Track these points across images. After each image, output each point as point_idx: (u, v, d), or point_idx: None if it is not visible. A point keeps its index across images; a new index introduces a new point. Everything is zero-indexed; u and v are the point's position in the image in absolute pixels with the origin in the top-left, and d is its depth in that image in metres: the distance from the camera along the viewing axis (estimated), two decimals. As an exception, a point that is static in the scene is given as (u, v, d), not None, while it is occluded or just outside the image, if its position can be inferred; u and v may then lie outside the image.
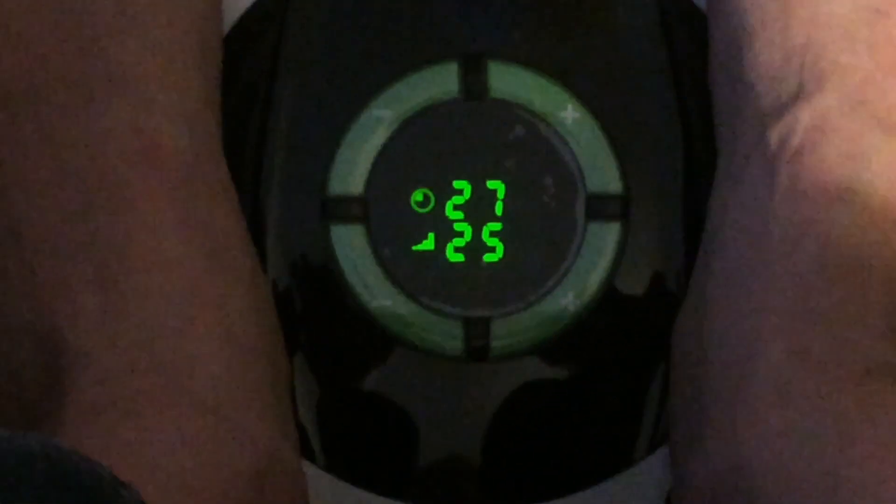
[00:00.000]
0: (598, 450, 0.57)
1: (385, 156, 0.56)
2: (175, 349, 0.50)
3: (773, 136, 0.52)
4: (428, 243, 0.55)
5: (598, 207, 0.56)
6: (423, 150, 0.56)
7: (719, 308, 0.53)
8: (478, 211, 0.56)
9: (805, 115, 0.52)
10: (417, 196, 0.56)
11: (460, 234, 0.55)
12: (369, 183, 0.56)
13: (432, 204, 0.56)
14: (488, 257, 0.56)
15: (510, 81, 0.56)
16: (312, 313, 0.57)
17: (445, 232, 0.55)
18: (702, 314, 0.54)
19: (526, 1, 0.58)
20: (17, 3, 0.53)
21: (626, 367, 0.57)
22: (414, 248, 0.55)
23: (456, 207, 0.55)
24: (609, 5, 0.59)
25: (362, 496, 0.56)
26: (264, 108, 0.57)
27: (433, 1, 0.58)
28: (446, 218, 0.55)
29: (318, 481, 0.55)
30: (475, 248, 0.55)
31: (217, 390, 0.50)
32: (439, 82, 0.56)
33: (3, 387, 0.53)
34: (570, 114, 0.56)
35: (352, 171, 0.56)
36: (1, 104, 0.52)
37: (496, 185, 0.56)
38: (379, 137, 0.56)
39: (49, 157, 0.51)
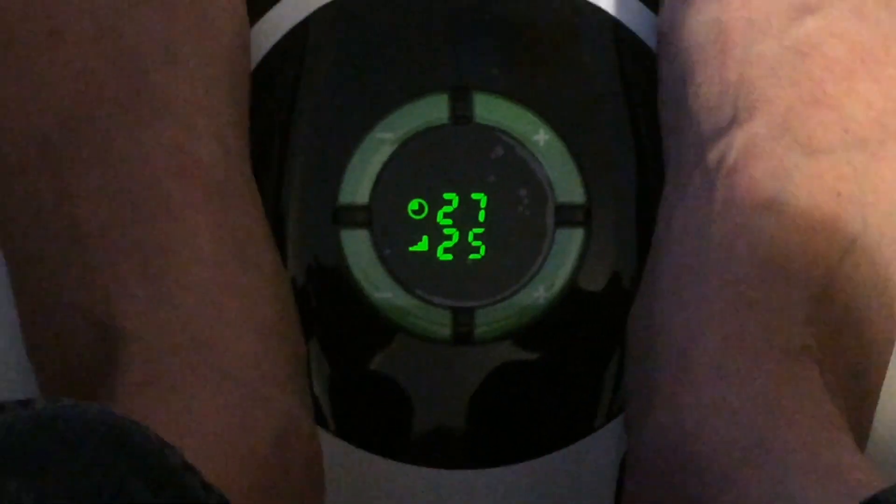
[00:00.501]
0: (564, 419, 0.56)
1: (386, 171, 0.56)
2: (210, 332, 0.50)
3: (712, 156, 0.53)
4: (422, 245, 0.55)
5: (565, 215, 0.56)
6: (418, 167, 0.56)
7: (666, 300, 0.53)
8: (464, 218, 0.56)
9: (738, 139, 0.52)
10: (413, 205, 0.56)
11: (449, 238, 0.55)
12: (373, 194, 0.56)
13: (426, 212, 0.56)
14: (473, 257, 0.56)
15: (492, 110, 0.56)
16: (325, 304, 0.56)
17: (437, 235, 0.56)
18: (652, 305, 0.54)
19: (504, 42, 0.58)
20: (79, 39, 0.53)
21: (588, 350, 0.57)
22: (410, 248, 0.56)
23: (446, 215, 0.56)
24: (574, 46, 0.58)
25: (366, 457, 0.56)
26: (285, 131, 0.57)
27: (427, 42, 0.58)
28: (437, 224, 0.56)
29: (330, 445, 0.55)
30: (462, 249, 0.56)
31: (245, 366, 0.51)
32: (432, 110, 0.56)
33: (67, 366, 0.53)
34: (541, 136, 0.56)
35: (358, 184, 0.56)
36: (65, 126, 0.52)
37: (479, 196, 0.56)
38: (381, 156, 0.56)
39: (104, 170, 0.51)
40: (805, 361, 0.50)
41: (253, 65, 0.57)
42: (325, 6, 0.57)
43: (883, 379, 0.55)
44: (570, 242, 0.56)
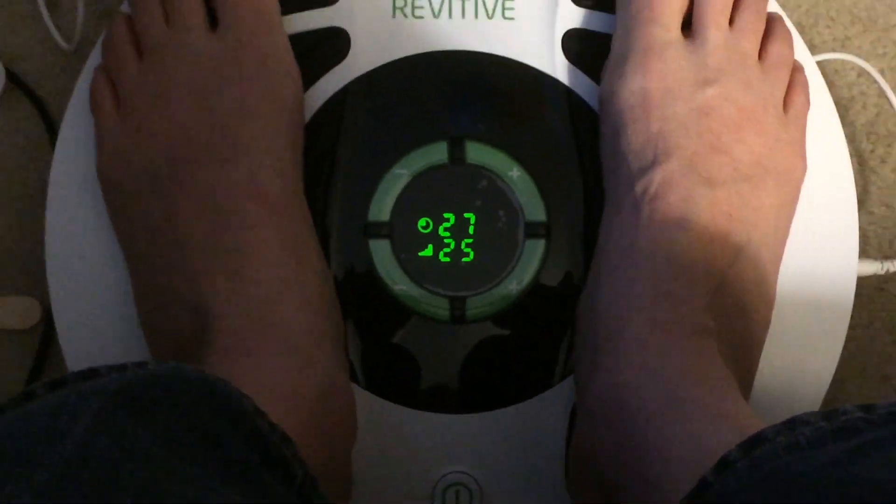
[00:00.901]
0: (531, 377, 0.58)
1: (402, 197, 0.58)
2: (273, 313, 0.53)
3: (639, 187, 0.55)
4: (428, 251, 0.58)
5: (531, 230, 0.58)
6: (425, 195, 0.58)
7: (604, 293, 0.55)
8: (458, 231, 0.58)
9: (658, 176, 0.55)
10: (422, 222, 0.58)
11: (448, 245, 0.58)
12: (393, 214, 0.58)
13: (430, 227, 0.58)
14: (465, 260, 0.58)
15: (479, 153, 0.58)
16: (357, 293, 0.58)
17: (439, 244, 0.58)
18: (594, 296, 0.56)
19: (488, 105, 0.59)
20: (179, 102, 0.55)
21: (547, 328, 0.58)
22: (419, 254, 0.57)
23: (445, 229, 0.58)
24: (538, 108, 0.60)
25: (386, 405, 0.57)
26: (329, 167, 0.58)
27: (431, 104, 0.59)
28: (439, 235, 0.57)
29: (361, 396, 0.56)
30: (457, 254, 0.58)
31: (298, 339, 0.53)
32: (435, 154, 0.58)
33: (170, 338, 0.55)
34: (514, 173, 0.58)
35: (382, 207, 0.58)
36: (170, 164, 0.54)
37: (470, 216, 0.58)
38: (399, 186, 0.58)
39: (198, 196, 0.54)
40: (706, 338, 0.53)
41: (307, 119, 0.58)
42: (358, 78, 0.59)
43: (761, 350, 0.57)
44: (535, 250, 0.58)
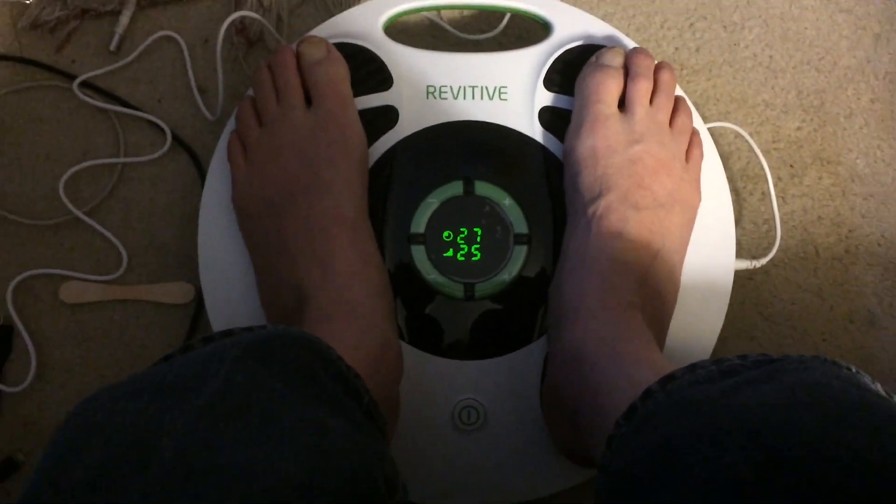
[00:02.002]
0: (518, 335, 0.57)
1: (433, 217, 0.57)
2: (347, 295, 0.52)
3: (590, 211, 0.55)
4: (449, 253, 0.57)
5: (518, 239, 0.57)
6: (448, 215, 0.57)
7: (567, 281, 0.54)
8: (470, 240, 0.57)
9: (602, 203, 0.54)
10: (446, 234, 0.57)
11: (462, 249, 0.57)
12: (427, 228, 0.57)
13: (451, 237, 0.57)
14: (474, 259, 0.57)
15: (484, 188, 0.58)
16: (403, 281, 0.57)
17: (456, 248, 0.57)
18: (560, 284, 0.55)
19: (490, 157, 0.59)
20: (287, 157, 0.55)
21: (529, 303, 0.57)
22: (444, 255, 0.57)
23: (461, 238, 0.57)
24: (523, 159, 0.59)
25: (420, 354, 0.56)
26: (384, 198, 0.58)
27: (453, 156, 0.58)
28: (457, 242, 0.57)
29: (406, 349, 0.56)
30: (469, 255, 0.57)
31: (365, 312, 0.52)
32: (454, 188, 0.58)
33: (280, 311, 0.54)
34: (507, 201, 0.58)
35: (420, 223, 0.57)
36: (281, 195, 0.54)
37: (477, 229, 0.57)
38: (430, 210, 0.57)
39: (298, 219, 0.54)
40: (634, 311, 0.52)
41: (370, 165, 0.58)
42: (404, 139, 0.58)
43: (671, 319, 0.56)
44: (520, 253, 0.57)
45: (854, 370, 0.38)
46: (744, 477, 0.31)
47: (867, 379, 0.38)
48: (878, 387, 0.37)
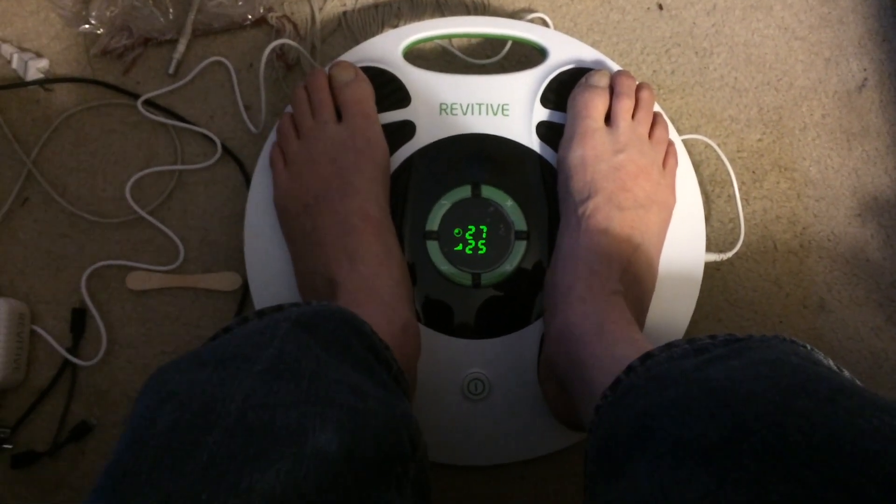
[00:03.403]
0: (518, 317, 0.57)
1: (445, 216, 0.57)
2: (373, 284, 0.52)
3: (579, 211, 0.54)
4: (459, 247, 0.57)
5: (518, 235, 0.57)
6: (458, 215, 0.57)
7: (559, 271, 0.54)
8: (477, 236, 0.57)
9: (591, 205, 0.54)
10: (456, 231, 0.57)
11: (470, 244, 0.57)
12: (440, 226, 0.57)
13: (461, 233, 0.57)
14: (480, 252, 0.57)
15: (489, 191, 0.57)
16: (420, 272, 0.57)
17: (465, 243, 0.57)
18: (554, 274, 0.55)
19: (494, 165, 0.58)
20: (321, 162, 0.54)
21: (528, 290, 0.57)
22: (455, 249, 0.57)
23: (469, 235, 0.57)
24: (522, 166, 0.58)
25: (434, 334, 0.56)
26: (404, 200, 0.57)
27: (462, 164, 0.58)
28: (466, 238, 0.57)
29: (423, 330, 0.56)
30: (476, 249, 0.57)
31: (389, 297, 0.51)
32: (464, 191, 0.57)
33: (315, 298, 0.53)
34: (509, 202, 0.57)
35: (434, 222, 0.57)
36: (316, 198, 0.53)
37: (483, 227, 0.57)
38: (443, 210, 0.57)
39: (331, 217, 0.53)
40: (618, 297, 0.51)
41: (392, 171, 0.57)
42: (420, 149, 0.58)
43: (650, 304, 0.56)
44: (520, 247, 0.57)
45: (809, 348, 0.38)
46: (712, 441, 0.31)
47: (820, 355, 0.37)
48: (830, 362, 0.37)
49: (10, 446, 0.60)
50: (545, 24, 0.67)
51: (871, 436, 0.27)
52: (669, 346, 0.40)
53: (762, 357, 0.35)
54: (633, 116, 0.57)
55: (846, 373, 0.36)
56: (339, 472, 0.31)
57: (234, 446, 0.30)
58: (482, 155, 0.58)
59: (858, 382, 0.34)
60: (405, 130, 0.59)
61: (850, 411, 0.29)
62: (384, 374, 0.41)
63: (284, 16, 0.66)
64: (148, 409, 0.32)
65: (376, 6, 0.66)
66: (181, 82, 0.65)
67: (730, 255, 0.63)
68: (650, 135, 0.57)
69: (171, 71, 0.65)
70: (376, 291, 0.51)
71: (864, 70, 0.67)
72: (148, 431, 0.31)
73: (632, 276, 0.53)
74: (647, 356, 0.40)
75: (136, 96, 0.65)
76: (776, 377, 0.33)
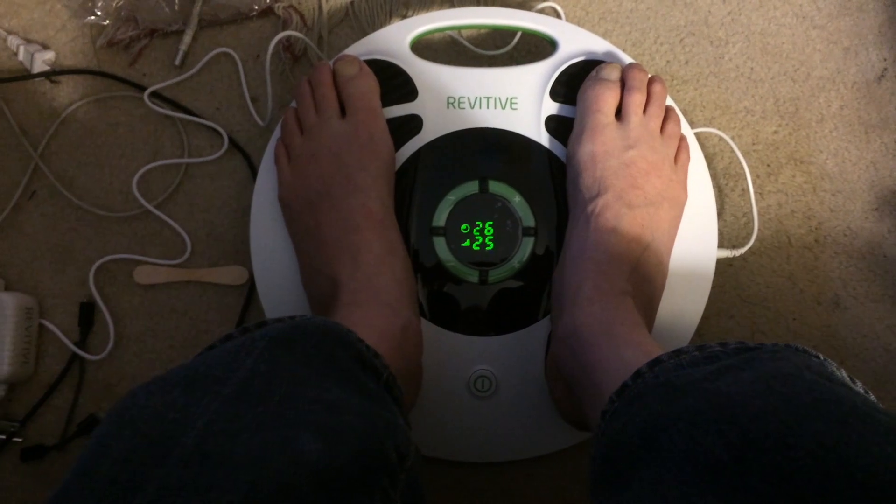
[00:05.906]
0: (526, 314, 0.56)
1: (452, 212, 0.56)
2: (376, 282, 0.51)
3: (589, 208, 0.53)
4: (466, 243, 0.56)
5: (526, 231, 0.56)
6: (465, 211, 0.56)
7: (567, 270, 0.53)
8: (484, 232, 0.56)
9: (600, 202, 0.53)
10: (463, 227, 0.56)
11: (477, 240, 0.56)
12: (447, 222, 0.56)
13: (468, 229, 0.56)
14: (488, 248, 0.56)
15: (496, 187, 0.56)
16: (427, 268, 0.56)
17: (472, 239, 0.56)
18: (562, 271, 0.54)
19: (502, 160, 0.57)
20: (323, 159, 0.53)
21: (535, 287, 0.56)
22: (461, 245, 0.56)
23: (476, 230, 0.56)
24: (530, 161, 0.57)
25: (439, 330, 0.56)
26: (410, 196, 0.57)
27: (469, 159, 0.57)
28: (473, 234, 0.56)
29: (428, 326, 0.56)
30: (483, 245, 0.56)
31: (390, 298, 0.51)
32: (471, 187, 0.56)
33: (319, 298, 0.53)
34: (517, 198, 0.56)
35: (441, 217, 0.56)
36: (319, 194, 0.53)
37: (490, 223, 0.56)
38: (450, 206, 0.56)
39: (333, 214, 0.52)
40: (627, 297, 0.51)
41: (397, 167, 0.57)
42: (427, 143, 0.57)
43: (659, 304, 0.55)
44: (528, 243, 0.56)
45: (822, 358, 0.37)
46: (720, 459, 0.30)
47: (833, 367, 0.36)
48: (843, 373, 0.36)
49: (19, 440, 0.60)
50: (556, 13, 0.65)
51: (885, 464, 0.27)
52: (678, 352, 0.39)
53: (774, 370, 0.34)
54: (644, 111, 0.56)
55: (859, 384, 0.35)
56: (305, 495, 0.29)
57: (187, 477, 0.28)
58: (490, 150, 0.57)
59: (872, 397, 0.34)
60: (412, 125, 0.58)
61: (863, 436, 0.28)
62: (371, 383, 0.40)
63: (291, 6, 0.66)
64: (105, 435, 0.31)
65: (384, -5, 0.66)
66: (187, 74, 0.64)
67: (742, 251, 0.62)
68: (662, 129, 0.56)
69: (177, 62, 0.65)
70: (377, 291, 0.51)
71: (884, 60, 0.66)
72: (99, 460, 0.30)
73: (641, 275, 0.52)
74: (656, 362, 0.39)
75: (142, 88, 0.64)
76: (788, 394, 0.32)
